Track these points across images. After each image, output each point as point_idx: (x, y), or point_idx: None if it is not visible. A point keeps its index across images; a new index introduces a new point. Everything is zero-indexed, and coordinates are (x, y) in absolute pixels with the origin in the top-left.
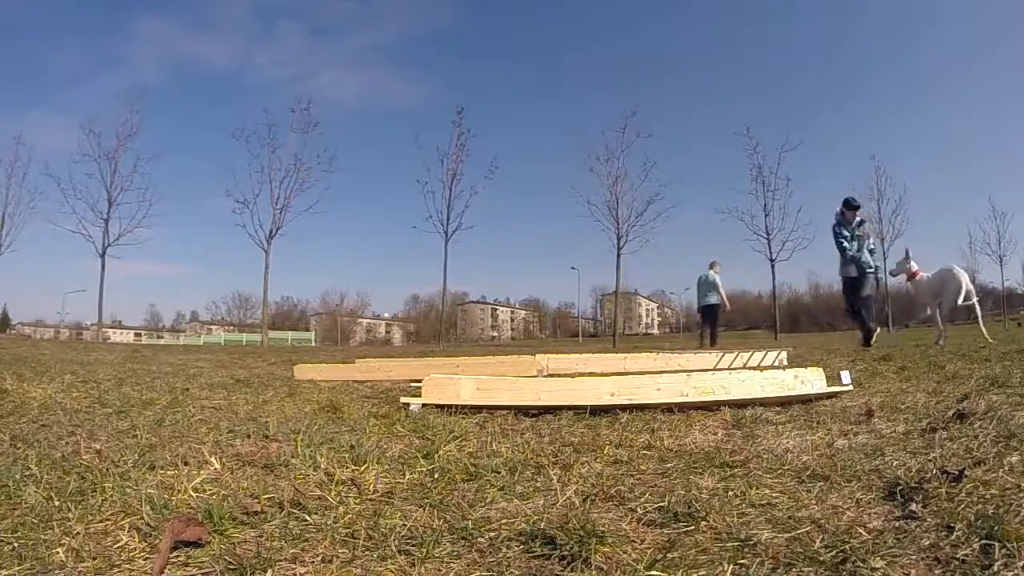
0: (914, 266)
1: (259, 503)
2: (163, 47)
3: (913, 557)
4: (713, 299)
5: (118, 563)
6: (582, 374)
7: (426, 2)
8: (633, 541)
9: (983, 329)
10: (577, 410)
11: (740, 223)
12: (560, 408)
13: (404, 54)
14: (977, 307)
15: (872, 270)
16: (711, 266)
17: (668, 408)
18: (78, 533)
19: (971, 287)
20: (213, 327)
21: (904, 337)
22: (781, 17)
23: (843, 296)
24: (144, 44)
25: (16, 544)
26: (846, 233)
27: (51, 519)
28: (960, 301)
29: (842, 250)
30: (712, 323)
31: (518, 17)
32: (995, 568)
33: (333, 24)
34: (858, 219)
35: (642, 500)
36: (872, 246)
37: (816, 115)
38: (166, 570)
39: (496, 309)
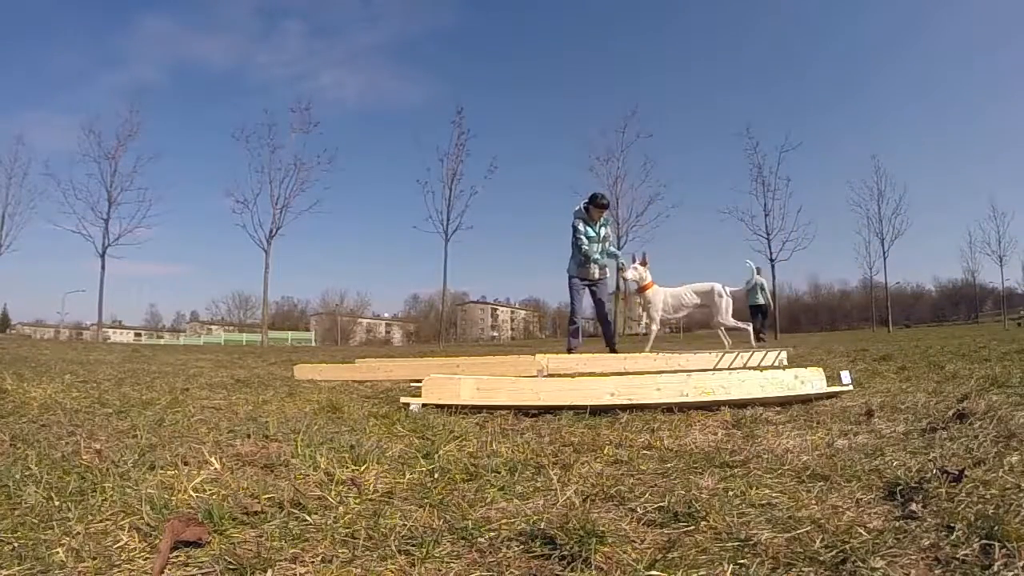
0: (648, 276)
1: (259, 503)
2: (164, 46)
3: (913, 557)
4: (760, 300)
5: (118, 563)
6: (582, 374)
7: (428, 2)
8: (633, 541)
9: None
10: (577, 410)
11: (740, 223)
12: (560, 408)
13: (405, 53)
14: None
15: (602, 279)
16: (757, 271)
17: (668, 408)
18: (78, 533)
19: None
20: (213, 327)
21: (902, 338)
22: (781, 17)
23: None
24: (145, 43)
25: (16, 544)
26: (592, 233)
27: (51, 519)
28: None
29: (578, 247)
30: (760, 321)
31: (519, 16)
32: (995, 568)
33: (335, 24)
34: (604, 218)
35: (642, 500)
36: (612, 249)
37: (816, 115)
38: (166, 570)
39: (496, 309)
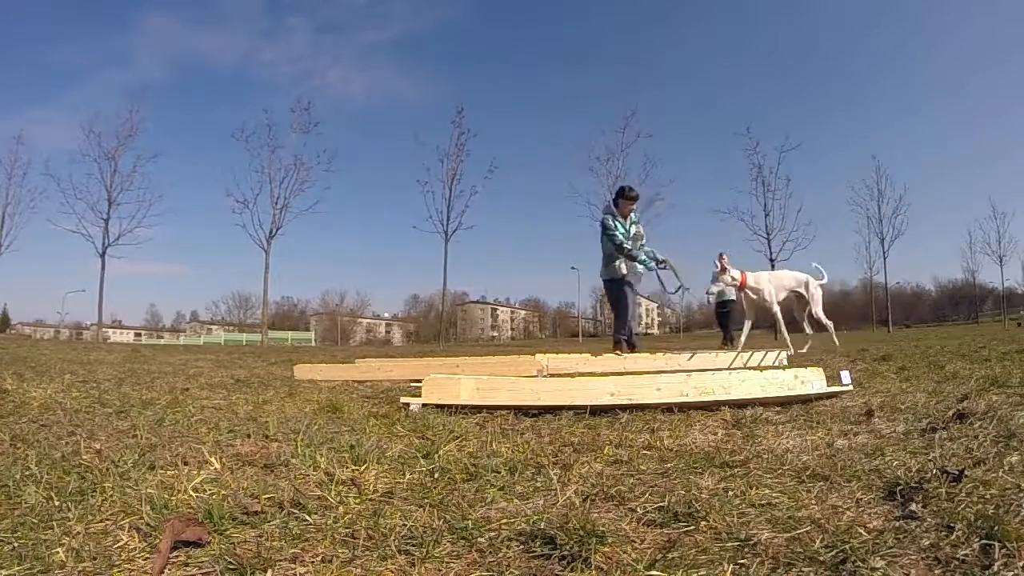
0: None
1: (259, 503)
2: (168, 44)
3: (913, 557)
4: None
5: (118, 563)
6: (582, 374)
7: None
8: (633, 541)
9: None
10: (577, 410)
11: (740, 223)
12: (560, 408)
13: (409, 52)
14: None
15: (653, 269)
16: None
17: (668, 408)
18: (78, 533)
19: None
20: (213, 327)
21: (902, 338)
22: (783, 20)
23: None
24: (149, 40)
25: (16, 544)
26: (623, 229)
27: (51, 519)
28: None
29: (617, 245)
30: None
31: (522, 16)
32: (995, 568)
33: (341, 21)
34: (635, 215)
35: (642, 500)
36: (645, 246)
37: (816, 115)
38: (166, 570)
39: (496, 309)
